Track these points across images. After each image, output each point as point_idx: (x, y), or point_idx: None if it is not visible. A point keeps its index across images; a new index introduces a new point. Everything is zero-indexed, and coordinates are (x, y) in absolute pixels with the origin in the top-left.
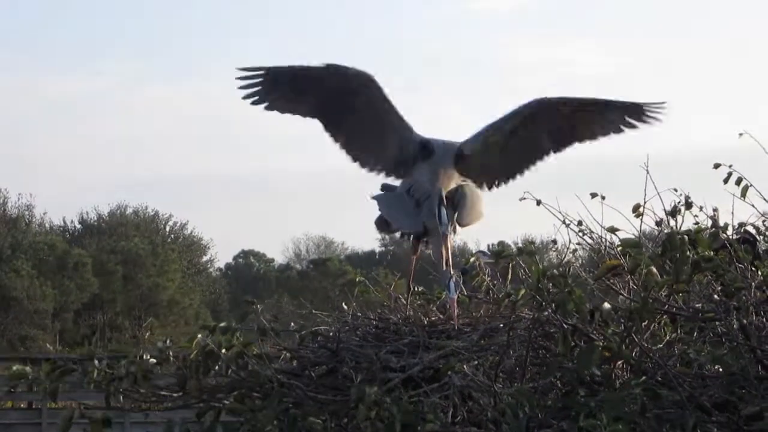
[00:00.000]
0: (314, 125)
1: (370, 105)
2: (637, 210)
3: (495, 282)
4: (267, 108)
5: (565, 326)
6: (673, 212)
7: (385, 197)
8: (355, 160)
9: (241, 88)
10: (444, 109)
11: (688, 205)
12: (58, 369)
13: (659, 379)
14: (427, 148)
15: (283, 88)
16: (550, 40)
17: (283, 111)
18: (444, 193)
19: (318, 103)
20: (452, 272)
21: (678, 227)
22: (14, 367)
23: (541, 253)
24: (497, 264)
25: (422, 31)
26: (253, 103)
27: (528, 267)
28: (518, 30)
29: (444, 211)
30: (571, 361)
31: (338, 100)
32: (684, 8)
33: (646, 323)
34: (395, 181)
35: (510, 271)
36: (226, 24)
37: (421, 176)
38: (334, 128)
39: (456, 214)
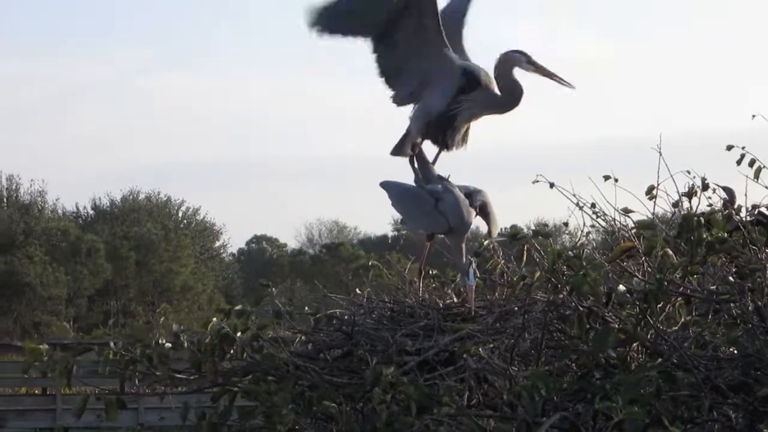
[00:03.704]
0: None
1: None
2: (651, 192)
3: (509, 265)
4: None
5: (581, 309)
6: (690, 194)
7: (399, 192)
8: (391, 82)
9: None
10: None
11: (705, 186)
12: (74, 349)
13: (675, 361)
14: (471, 78)
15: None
16: (547, 27)
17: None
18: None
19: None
20: (472, 260)
21: (695, 209)
22: (29, 346)
23: (554, 236)
24: (512, 246)
25: None
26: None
27: (543, 249)
28: (517, 16)
29: (473, 270)
30: (587, 344)
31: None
32: None
33: (661, 305)
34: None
35: (525, 253)
36: (240, 9)
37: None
38: (382, 46)
39: (488, 227)
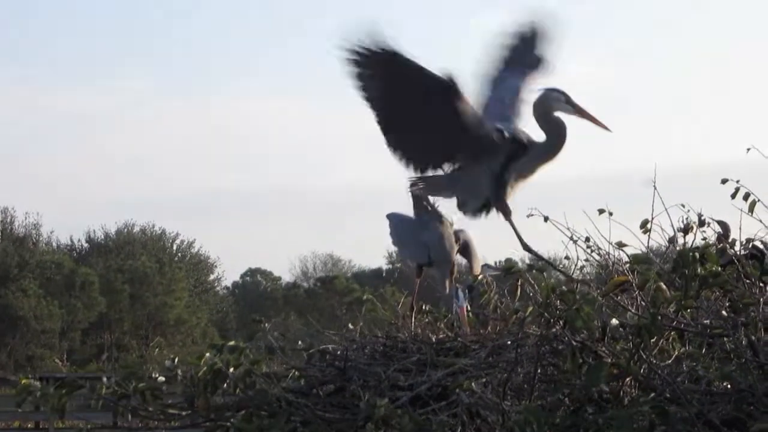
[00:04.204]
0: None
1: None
2: (645, 226)
3: (503, 299)
4: (355, 77)
5: (574, 343)
6: (686, 229)
7: (396, 221)
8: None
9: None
10: None
11: (701, 222)
12: (67, 386)
13: (668, 395)
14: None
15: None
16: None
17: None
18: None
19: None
20: (458, 286)
21: (690, 244)
22: (22, 380)
23: (548, 270)
24: (506, 281)
25: (427, 46)
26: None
27: (537, 283)
28: None
29: (461, 294)
30: (580, 378)
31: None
32: (687, 22)
33: (654, 340)
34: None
35: (519, 288)
36: (231, 41)
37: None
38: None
39: (470, 265)
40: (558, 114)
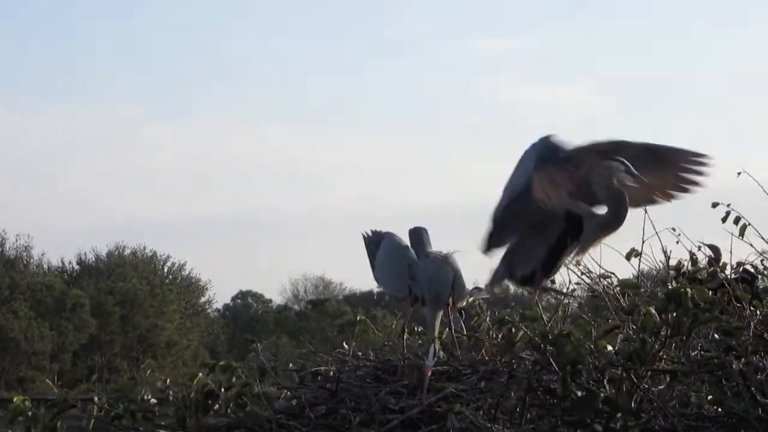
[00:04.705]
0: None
1: None
2: (630, 256)
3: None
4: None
5: (565, 369)
6: (678, 268)
7: (384, 251)
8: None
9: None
10: (444, 148)
11: (693, 261)
12: (58, 406)
13: (661, 422)
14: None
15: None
16: (548, 81)
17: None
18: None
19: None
20: (435, 337)
21: (682, 269)
22: (15, 398)
23: (539, 295)
24: (498, 304)
25: (421, 73)
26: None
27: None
28: (517, 70)
29: (432, 352)
30: (571, 404)
31: None
32: (679, 46)
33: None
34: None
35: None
36: (225, 66)
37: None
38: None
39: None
40: (618, 184)
